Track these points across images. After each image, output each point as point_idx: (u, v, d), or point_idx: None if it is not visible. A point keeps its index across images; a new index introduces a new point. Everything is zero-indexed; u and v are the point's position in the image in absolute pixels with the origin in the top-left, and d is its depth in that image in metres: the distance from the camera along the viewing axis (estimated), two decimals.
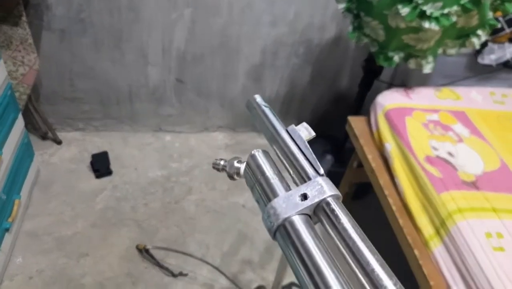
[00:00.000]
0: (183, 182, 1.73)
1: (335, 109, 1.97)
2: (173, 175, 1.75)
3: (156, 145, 1.89)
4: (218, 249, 1.49)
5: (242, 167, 0.37)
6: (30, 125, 1.77)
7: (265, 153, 0.35)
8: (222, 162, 0.39)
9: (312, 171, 0.31)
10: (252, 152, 0.35)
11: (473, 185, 1.04)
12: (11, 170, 1.35)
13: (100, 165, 1.69)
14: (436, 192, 1.01)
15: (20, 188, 1.44)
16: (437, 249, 0.97)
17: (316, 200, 0.29)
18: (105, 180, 1.69)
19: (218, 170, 0.39)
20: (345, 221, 0.28)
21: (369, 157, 1.26)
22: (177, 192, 1.68)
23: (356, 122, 1.38)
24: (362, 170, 1.34)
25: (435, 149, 1.14)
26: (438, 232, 0.99)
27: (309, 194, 0.29)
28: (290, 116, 1.99)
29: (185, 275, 1.38)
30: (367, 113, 1.39)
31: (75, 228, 1.50)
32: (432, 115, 1.25)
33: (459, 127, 1.22)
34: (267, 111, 0.38)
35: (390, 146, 1.20)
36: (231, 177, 0.38)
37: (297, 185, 0.31)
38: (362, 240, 0.26)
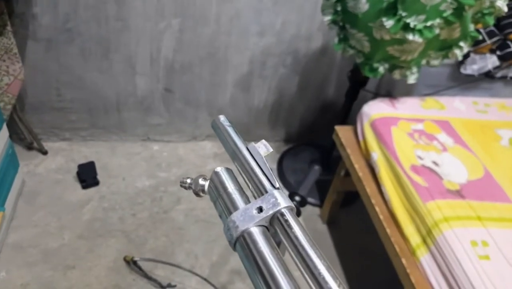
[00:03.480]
0: (172, 191, 1.72)
1: (322, 118, 1.99)
2: (161, 185, 1.74)
3: (144, 154, 1.88)
4: (207, 259, 1.48)
5: (207, 184, 0.39)
6: (15, 136, 1.75)
7: (228, 170, 0.37)
8: (188, 180, 0.41)
9: (269, 185, 0.34)
10: (216, 169, 0.37)
11: (458, 193, 1.06)
12: None
13: (87, 175, 1.67)
14: (422, 201, 1.03)
15: (5, 200, 1.41)
16: (424, 257, 0.99)
17: (271, 212, 0.31)
18: (92, 190, 1.67)
19: (185, 188, 0.41)
20: (297, 229, 0.30)
21: (356, 166, 1.28)
22: (165, 201, 1.67)
23: (343, 132, 1.40)
24: (349, 178, 1.36)
25: (420, 158, 1.16)
26: (425, 241, 1.00)
27: (264, 206, 0.32)
28: (278, 124, 2.00)
29: (174, 286, 1.37)
30: (353, 123, 1.41)
31: (62, 240, 1.47)
32: (417, 125, 1.28)
33: (443, 137, 1.25)
34: (230, 130, 0.41)
35: (377, 155, 1.22)
36: (197, 194, 0.40)
37: (255, 199, 0.34)
38: (311, 246, 0.29)
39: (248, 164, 0.36)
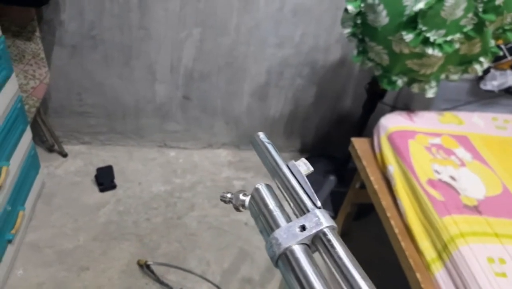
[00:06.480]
0: (186, 198, 1.74)
1: (338, 129, 1.99)
2: (176, 191, 1.76)
3: (160, 160, 1.91)
4: (218, 266, 1.49)
5: (247, 199, 0.40)
6: (37, 138, 1.80)
7: (268, 187, 0.38)
8: (229, 195, 0.42)
9: (310, 204, 0.34)
10: (257, 186, 0.37)
11: (475, 209, 1.05)
12: (17, 181, 1.36)
13: (105, 179, 1.71)
14: (439, 215, 1.02)
15: (25, 200, 1.45)
16: (439, 273, 0.97)
17: (314, 231, 0.32)
18: (108, 193, 1.70)
19: (225, 202, 0.42)
20: (340, 250, 0.30)
21: (372, 178, 1.27)
22: (179, 207, 1.69)
23: (359, 144, 1.40)
24: (364, 190, 1.35)
25: (437, 172, 1.15)
26: (440, 256, 0.99)
27: (307, 225, 0.32)
28: (294, 135, 2.01)
29: None
30: (370, 135, 1.41)
31: (77, 241, 1.50)
32: (434, 139, 1.27)
33: (461, 152, 1.23)
34: (270, 147, 0.41)
35: (393, 168, 1.21)
36: (237, 209, 0.41)
37: (296, 216, 0.34)
38: (355, 267, 0.29)
39: (289, 182, 0.37)
